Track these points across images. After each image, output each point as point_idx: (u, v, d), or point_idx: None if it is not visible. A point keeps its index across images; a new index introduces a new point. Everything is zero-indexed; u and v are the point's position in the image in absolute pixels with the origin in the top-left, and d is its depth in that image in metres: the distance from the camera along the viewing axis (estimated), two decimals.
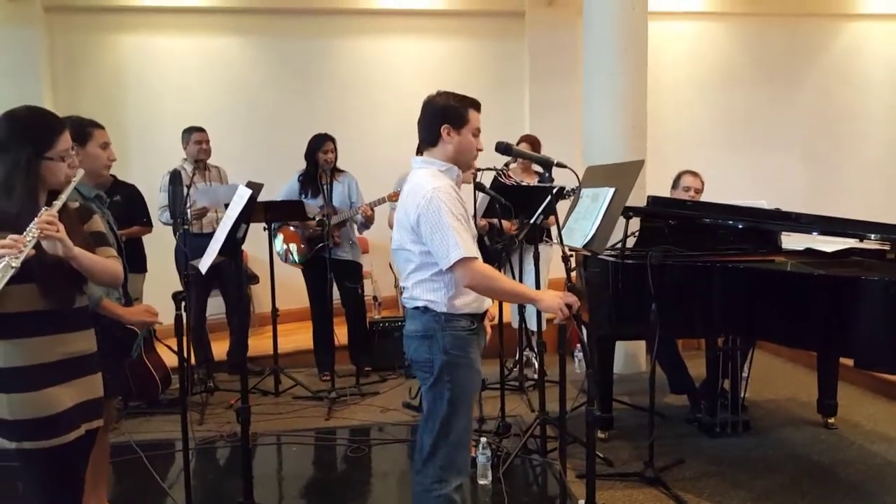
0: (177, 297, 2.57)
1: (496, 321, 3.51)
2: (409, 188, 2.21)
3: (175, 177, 3.23)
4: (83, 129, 2.47)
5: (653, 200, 3.41)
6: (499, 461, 3.36)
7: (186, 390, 2.94)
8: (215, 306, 5.10)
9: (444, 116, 2.20)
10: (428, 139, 2.24)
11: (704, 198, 3.99)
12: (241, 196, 2.54)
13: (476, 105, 2.26)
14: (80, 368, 1.96)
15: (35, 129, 1.88)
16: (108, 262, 2.01)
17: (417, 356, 2.21)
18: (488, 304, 2.30)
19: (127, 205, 4.01)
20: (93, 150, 2.48)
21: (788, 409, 4.20)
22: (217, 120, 5.51)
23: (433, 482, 2.17)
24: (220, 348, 4.94)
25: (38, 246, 1.76)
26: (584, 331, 2.30)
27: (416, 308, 2.19)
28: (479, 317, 2.24)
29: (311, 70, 6.31)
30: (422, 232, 2.10)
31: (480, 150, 2.29)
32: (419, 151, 2.35)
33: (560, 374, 2.55)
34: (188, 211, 4.39)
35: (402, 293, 2.29)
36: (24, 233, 1.72)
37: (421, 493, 2.21)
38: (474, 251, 2.08)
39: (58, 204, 1.86)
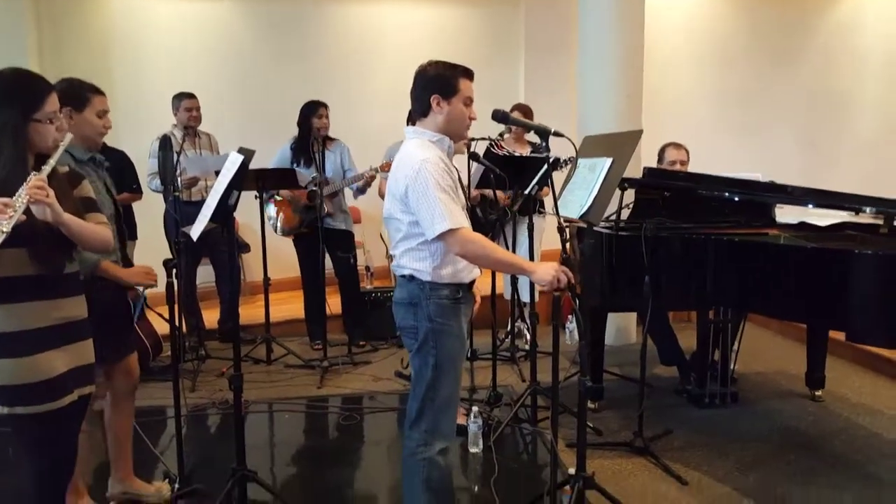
0: (167, 264, 2.55)
1: (485, 285, 3.49)
2: (399, 158, 2.21)
3: (165, 142, 3.17)
4: (82, 94, 2.40)
5: (649, 172, 3.40)
6: (490, 430, 3.39)
7: (178, 357, 2.93)
8: (204, 275, 5.06)
9: (435, 86, 2.18)
10: (419, 110, 2.23)
11: (696, 170, 3.97)
12: (233, 162, 2.49)
13: (468, 74, 2.23)
14: (72, 334, 1.95)
15: (22, 90, 1.84)
16: (97, 228, 1.98)
17: (404, 323, 2.25)
18: (476, 273, 2.30)
19: (116, 171, 3.91)
20: (89, 116, 2.41)
21: (777, 381, 4.25)
22: (208, 85, 5.42)
23: (418, 445, 2.21)
24: (210, 316, 4.92)
25: (27, 211, 1.73)
26: (577, 302, 2.30)
27: (403, 276, 2.23)
28: (464, 286, 2.25)
29: (303, 36, 6.19)
30: (410, 202, 2.12)
31: (473, 118, 2.26)
32: (410, 121, 2.33)
33: (553, 345, 2.56)
34: (178, 178, 4.33)
35: (391, 261, 2.31)
36: (14, 197, 1.68)
37: (407, 457, 2.25)
38: (461, 221, 2.09)
39: (47, 168, 1.82)
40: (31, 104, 1.83)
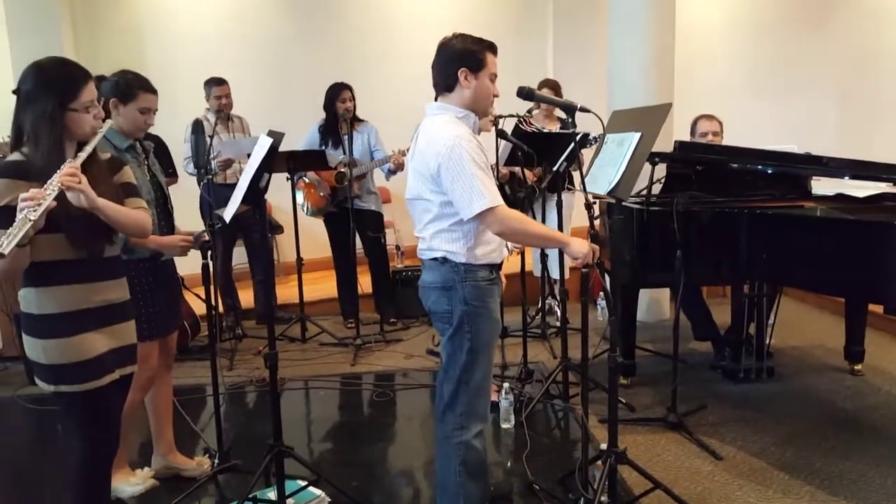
0: (203, 246, 2.61)
1: (514, 262, 3.50)
2: (426, 136, 2.13)
3: (197, 126, 3.22)
4: (130, 88, 2.46)
5: (680, 146, 3.33)
6: (521, 406, 3.41)
7: (215, 337, 3.01)
8: (238, 256, 5.16)
9: (462, 60, 2.10)
10: (444, 84, 2.15)
11: (732, 142, 3.88)
12: (263, 145, 2.53)
13: (493, 48, 2.17)
14: (113, 315, 2.02)
15: (59, 80, 1.88)
16: (134, 212, 2.03)
17: (437, 307, 2.19)
18: (505, 254, 2.29)
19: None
20: (131, 111, 2.47)
21: (814, 355, 4.17)
22: (236, 69, 5.46)
23: (454, 429, 2.19)
24: (246, 297, 5.03)
25: (63, 197, 1.78)
26: (607, 279, 2.29)
27: (435, 259, 2.16)
28: (496, 267, 2.23)
29: (329, 17, 6.20)
30: (443, 182, 2.04)
31: (497, 95, 2.22)
32: (436, 98, 2.29)
33: (583, 321, 2.56)
34: (212, 161, 4.41)
35: (418, 244, 2.26)
36: (46, 185, 1.74)
37: (443, 441, 2.23)
38: (499, 198, 2.04)
39: (82, 156, 1.86)
40: (67, 93, 1.87)
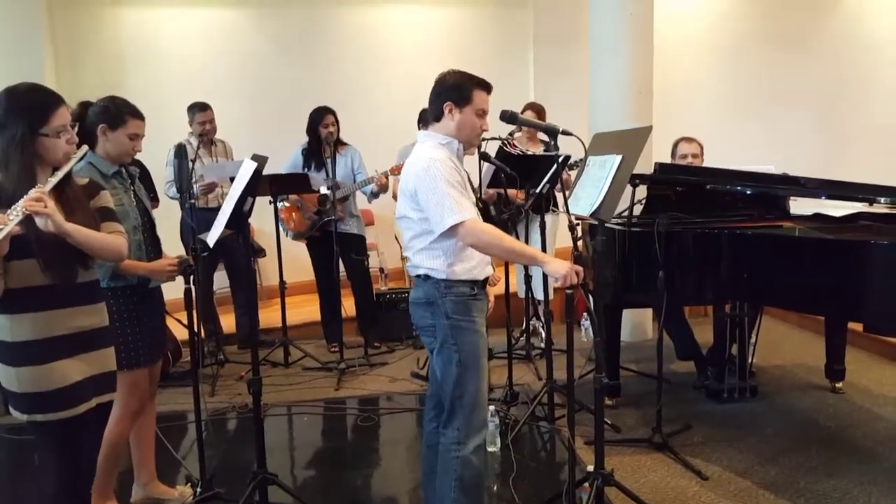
0: (185, 270, 2.59)
1: (499, 284, 3.50)
2: (410, 160, 2.28)
3: (180, 150, 3.22)
4: (120, 115, 2.46)
5: (660, 168, 3.38)
6: (507, 429, 3.40)
7: (198, 363, 2.98)
8: (220, 280, 5.12)
9: (449, 94, 2.24)
10: (432, 115, 2.30)
11: (712, 163, 3.95)
12: (247, 169, 2.53)
13: (484, 86, 2.28)
14: (89, 342, 1.99)
15: (30, 105, 1.87)
16: (108, 237, 2.00)
17: (422, 322, 2.30)
18: (489, 271, 2.33)
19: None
20: (120, 137, 2.46)
21: (796, 374, 4.21)
22: (220, 92, 5.47)
23: (452, 443, 2.24)
24: (228, 321, 4.98)
25: (32, 223, 1.76)
26: (591, 299, 2.30)
27: (419, 276, 2.27)
28: (480, 283, 2.29)
29: (313, 41, 6.23)
30: (419, 199, 2.17)
31: (485, 130, 2.33)
32: (421, 121, 2.38)
33: (568, 342, 2.56)
34: (195, 185, 4.39)
35: (406, 262, 2.36)
36: (10, 210, 1.72)
37: (443, 453, 2.28)
38: (470, 212, 2.14)
39: (52, 181, 1.85)
40: (38, 118, 1.86)
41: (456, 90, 2.24)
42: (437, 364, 2.28)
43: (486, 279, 2.33)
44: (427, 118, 2.36)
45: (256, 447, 2.60)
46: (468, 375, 2.22)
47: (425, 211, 2.16)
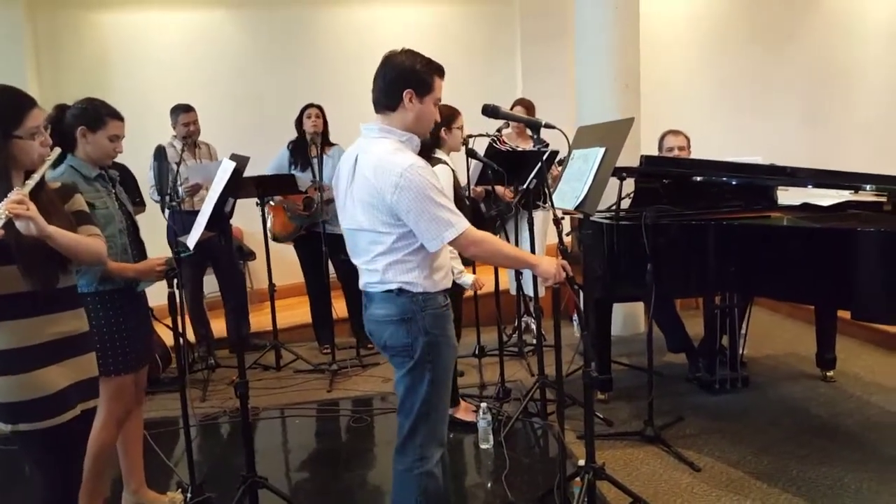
0: (168, 274, 2.57)
1: (489, 290, 3.49)
2: (373, 165, 1.98)
3: (160, 153, 3.19)
4: (99, 116, 2.43)
5: (646, 160, 3.38)
6: (500, 425, 3.39)
7: (185, 368, 2.95)
8: (211, 284, 5.09)
9: (409, 81, 2.00)
10: (387, 103, 2.03)
11: (700, 156, 3.95)
12: (225, 170, 2.50)
13: (441, 72, 2.08)
14: (72, 348, 1.95)
15: (2, 107, 1.83)
16: (88, 240, 1.97)
17: (394, 341, 2.07)
18: (452, 276, 2.25)
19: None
20: (101, 139, 2.43)
21: (787, 363, 4.22)
22: (205, 95, 5.44)
23: (414, 461, 2.10)
24: (219, 326, 4.95)
25: (12, 227, 1.73)
26: (580, 294, 2.29)
27: (389, 291, 2.04)
28: (449, 292, 2.17)
29: (299, 41, 6.21)
30: (403, 215, 1.94)
31: (437, 120, 2.16)
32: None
33: (555, 337, 2.56)
34: (179, 188, 4.35)
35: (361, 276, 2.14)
36: None
37: (402, 473, 2.14)
38: (465, 222, 1.98)
39: (30, 183, 1.81)
40: (11, 121, 1.82)
41: (416, 76, 2.00)
42: (402, 382, 2.10)
43: (453, 284, 2.25)
44: (376, 106, 2.08)
45: (245, 451, 2.57)
46: (439, 393, 2.09)
47: (413, 226, 1.94)
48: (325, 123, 4.61)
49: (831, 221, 3.13)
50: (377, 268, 2.05)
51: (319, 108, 4.60)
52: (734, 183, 3.53)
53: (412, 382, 2.08)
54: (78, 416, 1.95)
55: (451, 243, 1.98)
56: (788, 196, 3.66)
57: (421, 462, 2.10)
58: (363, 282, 2.13)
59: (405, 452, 2.12)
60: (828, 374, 3.87)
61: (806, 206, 3.52)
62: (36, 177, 1.84)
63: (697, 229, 3.22)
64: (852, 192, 3.29)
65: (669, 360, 4.24)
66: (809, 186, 3.35)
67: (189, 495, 2.77)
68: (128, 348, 2.47)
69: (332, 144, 4.70)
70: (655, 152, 3.99)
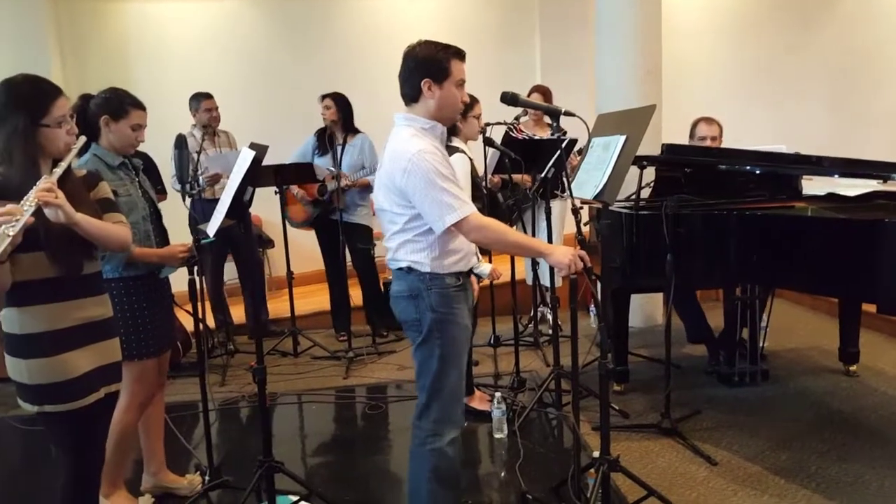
0: (188, 261, 2.60)
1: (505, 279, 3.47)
2: (391, 148, 2.11)
3: (180, 142, 3.21)
4: (122, 106, 2.46)
5: (667, 148, 3.32)
6: (514, 415, 3.39)
7: (204, 353, 2.99)
8: (231, 271, 5.14)
9: (426, 70, 2.07)
10: (409, 94, 2.12)
11: (726, 144, 3.87)
12: (245, 158, 2.51)
13: (460, 54, 2.12)
14: (96, 333, 1.99)
15: (29, 96, 1.86)
16: (114, 227, 2.01)
17: (405, 316, 2.18)
18: (473, 262, 2.27)
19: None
20: (123, 128, 2.47)
21: (809, 357, 4.15)
22: (225, 84, 5.46)
23: (427, 436, 2.16)
24: (239, 312, 5.00)
25: (41, 214, 1.76)
26: (598, 284, 2.26)
27: (401, 269, 2.15)
28: (465, 274, 2.20)
29: (318, 29, 6.20)
30: (410, 197, 2.03)
31: (465, 101, 2.19)
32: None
33: (572, 328, 2.55)
34: (200, 177, 4.39)
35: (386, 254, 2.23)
36: (22, 201, 1.71)
37: (416, 448, 2.20)
38: (469, 207, 2.02)
39: (58, 171, 1.85)
40: (39, 109, 1.85)
41: (433, 64, 2.06)
42: (416, 357, 2.19)
43: (471, 270, 2.26)
44: (403, 99, 2.16)
45: (263, 435, 2.60)
46: (449, 369, 2.14)
47: (420, 209, 2.02)
48: (343, 112, 4.56)
49: (858, 212, 3.06)
50: (392, 246, 2.16)
51: (333, 97, 4.55)
52: (758, 172, 3.47)
53: (423, 357, 2.16)
54: (101, 399, 1.99)
55: (454, 227, 2.01)
56: (813, 186, 3.58)
57: (434, 438, 2.16)
58: (386, 259, 2.23)
59: (420, 426, 2.20)
60: (850, 368, 3.80)
61: (832, 196, 3.45)
62: (63, 165, 1.87)
63: (719, 219, 3.17)
64: (880, 181, 3.21)
65: (687, 353, 4.20)
66: (836, 176, 3.28)
67: (207, 478, 2.83)
68: (151, 333, 2.51)
69: (358, 132, 4.65)
70: (677, 140, 3.91)
